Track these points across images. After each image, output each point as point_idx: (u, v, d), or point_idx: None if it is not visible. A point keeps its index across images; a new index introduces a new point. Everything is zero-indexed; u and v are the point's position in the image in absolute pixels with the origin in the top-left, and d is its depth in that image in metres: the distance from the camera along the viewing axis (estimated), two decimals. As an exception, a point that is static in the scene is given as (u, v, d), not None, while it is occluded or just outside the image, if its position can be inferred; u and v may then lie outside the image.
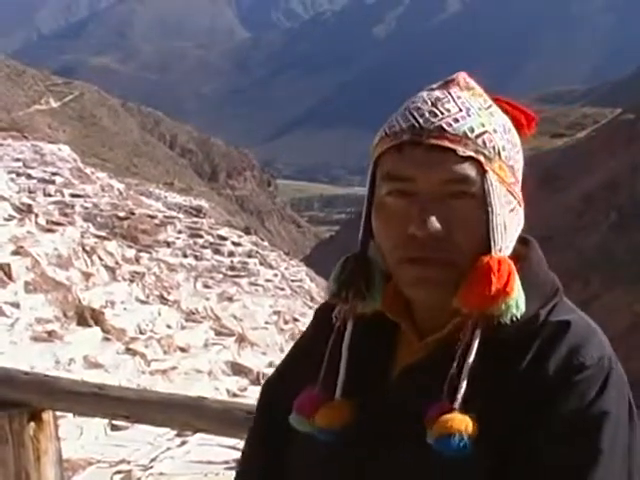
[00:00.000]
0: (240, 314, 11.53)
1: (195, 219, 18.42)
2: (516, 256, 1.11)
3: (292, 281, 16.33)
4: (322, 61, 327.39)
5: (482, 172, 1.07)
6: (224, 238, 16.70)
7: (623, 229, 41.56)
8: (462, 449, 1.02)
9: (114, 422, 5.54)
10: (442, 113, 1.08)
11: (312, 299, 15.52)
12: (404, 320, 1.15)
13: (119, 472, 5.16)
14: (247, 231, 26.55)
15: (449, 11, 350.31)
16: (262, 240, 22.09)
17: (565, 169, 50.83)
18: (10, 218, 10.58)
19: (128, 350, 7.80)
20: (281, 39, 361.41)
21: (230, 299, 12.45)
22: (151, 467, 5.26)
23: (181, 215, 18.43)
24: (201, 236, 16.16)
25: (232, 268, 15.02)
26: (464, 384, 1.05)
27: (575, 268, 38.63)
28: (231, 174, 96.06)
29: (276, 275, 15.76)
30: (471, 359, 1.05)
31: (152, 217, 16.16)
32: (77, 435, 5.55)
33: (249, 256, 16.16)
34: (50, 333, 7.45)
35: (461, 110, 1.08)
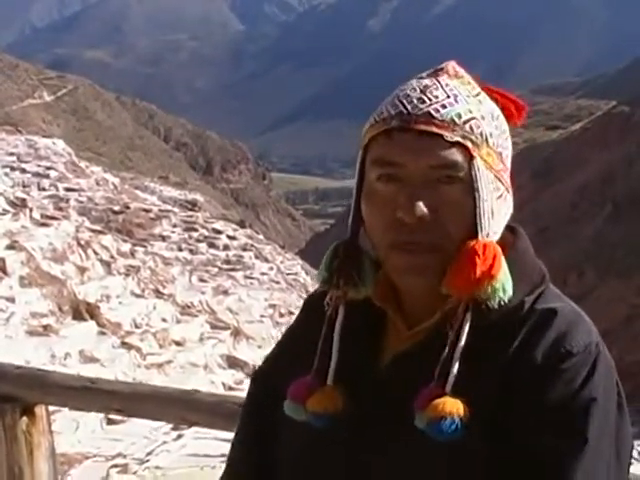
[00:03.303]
0: (235, 307, 11.54)
1: (190, 213, 18.40)
2: (503, 244, 1.12)
3: (287, 274, 16.33)
4: (316, 54, 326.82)
5: (469, 158, 1.08)
6: (219, 232, 16.69)
7: (618, 221, 41.62)
8: (454, 432, 1.03)
9: (110, 416, 5.53)
10: (430, 100, 1.09)
11: (307, 292, 15.50)
12: (392, 309, 1.16)
13: (115, 466, 5.16)
14: (242, 224, 26.51)
15: (444, 3, 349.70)
16: (257, 233, 22.06)
17: (560, 161, 50.88)
18: (4, 212, 10.57)
19: (124, 344, 7.79)
20: (275, 32, 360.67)
21: (225, 292, 12.46)
22: (147, 461, 5.26)
23: (176, 209, 18.40)
24: (196, 230, 16.15)
25: (227, 262, 15.03)
26: (455, 368, 1.05)
27: (570, 260, 38.70)
28: (226, 167, 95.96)
29: (271, 268, 15.76)
30: (462, 343, 1.06)
31: (147, 211, 16.14)
32: (73, 429, 5.55)
33: (244, 249, 16.15)
34: (45, 327, 7.45)
35: (449, 97, 1.09)
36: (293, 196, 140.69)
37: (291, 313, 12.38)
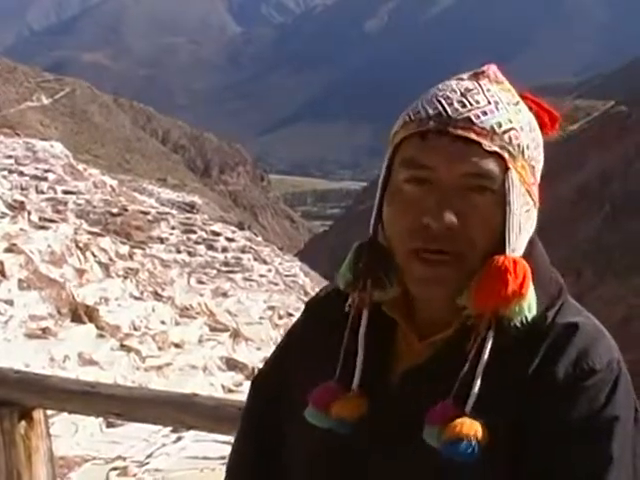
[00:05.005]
0: (234, 309, 11.53)
1: (188, 215, 18.41)
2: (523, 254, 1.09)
3: (286, 276, 16.33)
4: (314, 56, 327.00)
5: (505, 169, 1.05)
6: (218, 234, 16.70)
7: (616, 221, 41.65)
8: (470, 455, 1.00)
9: (109, 419, 5.52)
10: (471, 104, 1.05)
11: (306, 294, 15.51)
12: (402, 318, 1.12)
13: (115, 469, 5.15)
14: (241, 226, 26.55)
15: (441, 4, 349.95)
16: (256, 235, 22.07)
17: (558, 161, 50.94)
18: (2, 215, 10.56)
19: (122, 347, 7.78)
20: (273, 34, 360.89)
21: (224, 294, 12.47)
22: (147, 463, 5.25)
23: (174, 211, 18.41)
24: (194, 232, 16.16)
25: (226, 264, 15.03)
26: (477, 388, 1.02)
27: (568, 260, 38.73)
28: (224, 169, 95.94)
29: (270, 270, 15.77)
30: (484, 362, 1.03)
31: (145, 213, 16.14)
32: (72, 432, 5.54)
33: (243, 251, 16.16)
34: (44, 330, 7.44)
35: (490, 103, 1.06)
36: (291, 198, 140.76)
37: (290, 315, 12.37)
